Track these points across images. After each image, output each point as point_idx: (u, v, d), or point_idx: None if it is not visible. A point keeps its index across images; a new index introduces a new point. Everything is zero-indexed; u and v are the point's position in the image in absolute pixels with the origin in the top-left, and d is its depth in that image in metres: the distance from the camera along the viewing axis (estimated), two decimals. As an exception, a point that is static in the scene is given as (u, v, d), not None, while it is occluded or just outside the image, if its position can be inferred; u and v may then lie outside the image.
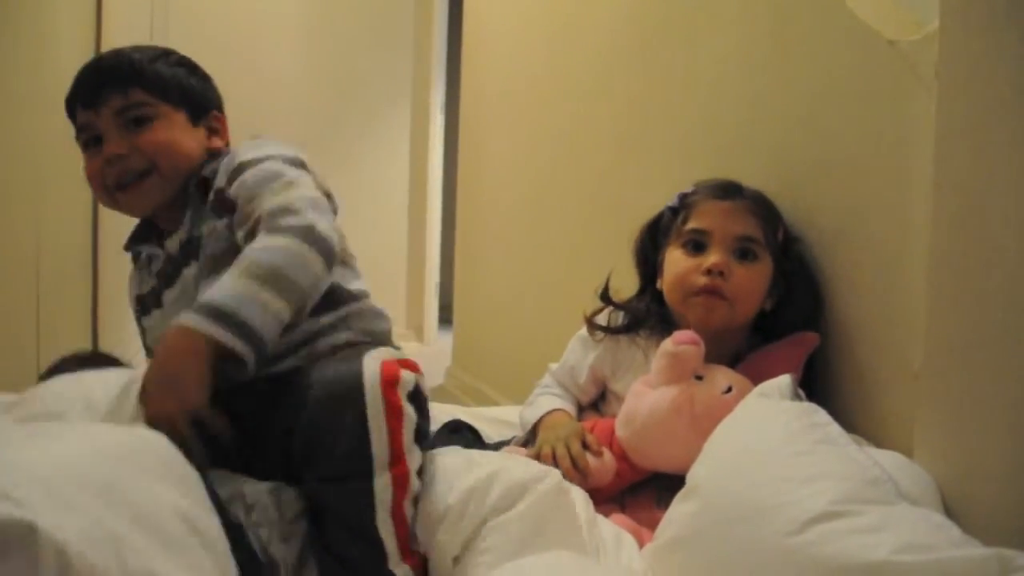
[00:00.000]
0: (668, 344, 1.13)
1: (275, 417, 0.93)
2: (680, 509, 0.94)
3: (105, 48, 2.55)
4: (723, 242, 1.17)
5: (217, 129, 1.19)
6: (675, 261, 1.22)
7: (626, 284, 1.34)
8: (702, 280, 1.17)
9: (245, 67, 4.09)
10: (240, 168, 1.06)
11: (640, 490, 1.18)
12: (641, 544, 1.01)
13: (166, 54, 1.17)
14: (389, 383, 0.89)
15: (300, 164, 1.09)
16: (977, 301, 0.86)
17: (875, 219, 1.09)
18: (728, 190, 1.21)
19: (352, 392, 0.88)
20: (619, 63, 1.84)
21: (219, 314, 0.90)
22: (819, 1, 1.17)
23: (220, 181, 1.08)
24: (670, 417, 1.10)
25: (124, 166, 1.09)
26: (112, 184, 1.11)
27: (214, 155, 1.15)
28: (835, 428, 0.91)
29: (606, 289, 1.33)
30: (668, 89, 1.64)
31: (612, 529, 1.02)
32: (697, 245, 1.19)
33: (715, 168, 1.46)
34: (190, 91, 1.16)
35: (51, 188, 1.97)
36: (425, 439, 0.96)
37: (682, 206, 1.24)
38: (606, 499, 1.15)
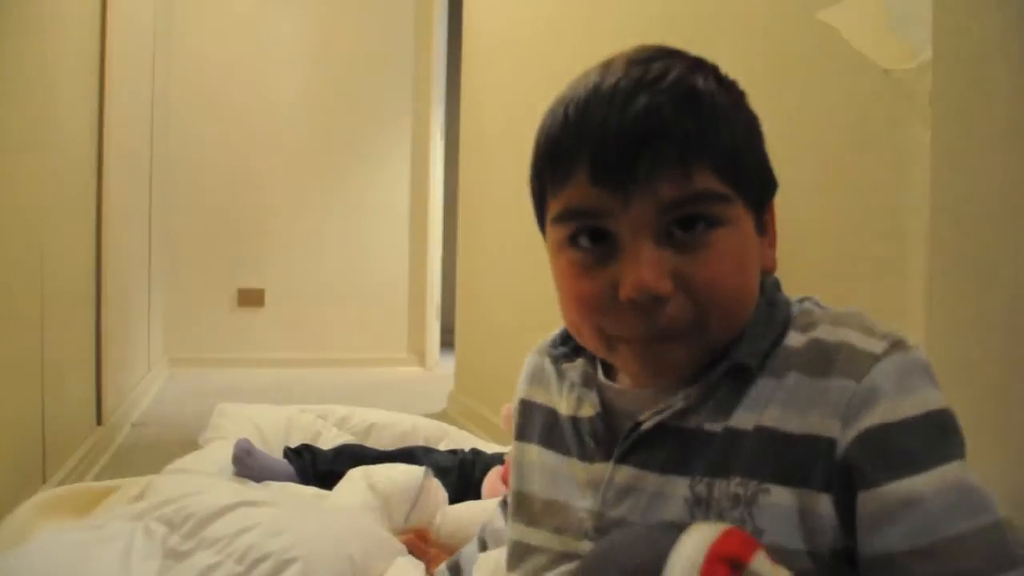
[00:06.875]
0: None
1: None
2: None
3: (109, 76, 2.44)
4: None
5: (767, 234, 0.65)
6: None
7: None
8: None
9: (247, 91, 4.13)
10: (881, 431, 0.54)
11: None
12: None
13: (726, 84, 0.62)
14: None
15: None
16: (976, 323, 0.87)
17: (872, 244, 1.09)
18: None
19: None
20: (617, 90, 1.85)
21: None
22: (815, 31, 1.18)
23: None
24: None
25: (658, 314, 0.58)
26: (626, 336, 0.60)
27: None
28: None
29: None
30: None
31: None
32: None
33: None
34: (765, 165, 0.63)
35: (55, 211, 1.97)
36: None
37: None
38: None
